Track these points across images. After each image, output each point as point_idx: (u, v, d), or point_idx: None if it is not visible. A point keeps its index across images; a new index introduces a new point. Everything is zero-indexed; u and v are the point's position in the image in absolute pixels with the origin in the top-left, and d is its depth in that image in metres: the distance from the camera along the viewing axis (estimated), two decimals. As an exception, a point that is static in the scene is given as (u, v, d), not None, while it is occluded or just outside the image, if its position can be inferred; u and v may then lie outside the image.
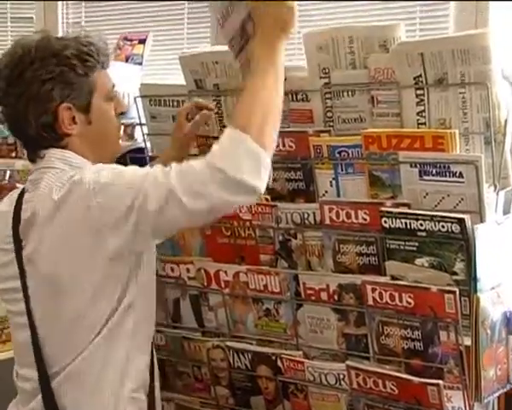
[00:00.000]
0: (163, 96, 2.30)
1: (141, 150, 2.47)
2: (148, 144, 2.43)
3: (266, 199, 2.05)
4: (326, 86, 1.97)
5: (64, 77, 1.72)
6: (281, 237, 2.05)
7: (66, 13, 4.58)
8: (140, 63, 3.46)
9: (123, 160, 2.66)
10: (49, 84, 1.70)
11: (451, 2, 2.98)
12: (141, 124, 2.38)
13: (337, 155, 1.94)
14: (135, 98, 2.35)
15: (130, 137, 3.04)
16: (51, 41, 1.74)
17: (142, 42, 3.54)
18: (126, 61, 3.48)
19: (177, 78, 2.38)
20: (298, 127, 2.03)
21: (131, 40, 3.57)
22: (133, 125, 2.96)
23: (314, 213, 1.98)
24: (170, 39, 3.76)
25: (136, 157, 2.56)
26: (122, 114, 1.87)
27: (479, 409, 1.86)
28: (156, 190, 1.57)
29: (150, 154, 2.39)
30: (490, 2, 2.86)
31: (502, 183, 1.88)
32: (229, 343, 2.13)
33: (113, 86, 1.83)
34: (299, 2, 1.71)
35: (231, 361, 2.14)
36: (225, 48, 1.92)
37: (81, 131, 1.76)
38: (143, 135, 2.40)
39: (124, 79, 3.08)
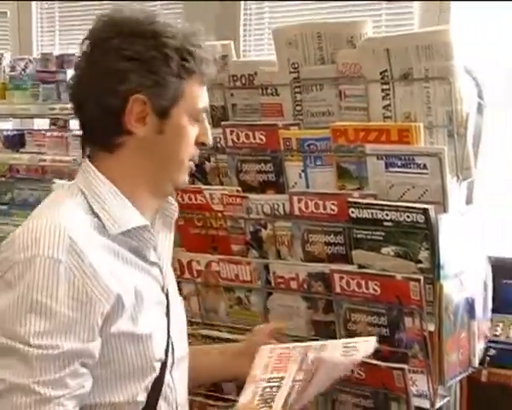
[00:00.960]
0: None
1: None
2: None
3: (237, 190, 2.05)
4: (295, 81, 1.98)
5: (152, 64, 1.35)
6: (252, 228, 2.05)
7: (41, 8, 4.53)
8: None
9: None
10: (130, 64, 1.35)
11: (415, 5, 3.00)
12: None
13: (306, 148, 1.95)
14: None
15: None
16: (157, 22, 1.39)
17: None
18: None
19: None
20: (268, 121, 2.03)
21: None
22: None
23: (284, 204, 1.98)
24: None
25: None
26: (203, 145, 1.49)
27: (442, 392, 1.88)
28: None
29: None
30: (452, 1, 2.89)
31: (464, 174, 1.90)
32: (202, 331, 2.13)
33: (205, 110, 1.48)
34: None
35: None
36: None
37: (147, 137, 1.39)
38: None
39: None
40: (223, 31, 2.87)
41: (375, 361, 1.84)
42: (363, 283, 1.86)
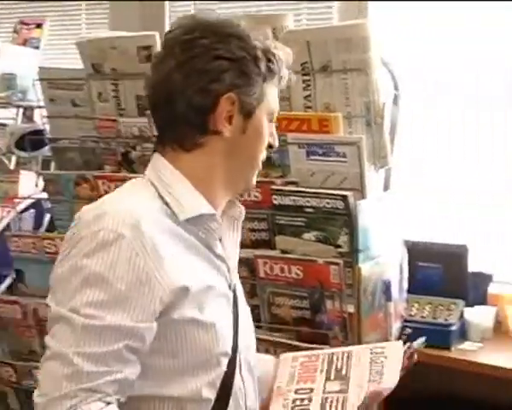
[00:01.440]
0: (61, 79, 2.25)
1: (39, 132, 2.41)
2: (47, 127, 2.37)
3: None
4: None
5: (244, 64, 1.32)
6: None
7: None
8: (37, 47, 3.36)
9: (21, 141, 2.61)
10: (225, 63, 1.31)
11: (335, 5, 3.06)
12: (39, 107, 2.32)
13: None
14: (33, 81, 2.29)
15: (29, 119, 2.95)
16: (240, 25, 1.35)
17: (40, 26, 3.43)
18: (24, 44, 3.37)
19: (75, 62, 2.34)
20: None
21: (28, 24, 3.46)
22: (32, 108, 2.88)
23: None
24: (68, 24, 3.68)
25: (35, 139, 2.51)
26: (270, 147, 1.43)
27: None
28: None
29: (49, 136, 2.33)
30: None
31: (381, 162, 1.95)
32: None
33: (276, 113, 1.43)
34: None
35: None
36: (122, 33, 1.90)
37: (231, 137, 1.33)
38: (42, 117, 2.34)
39: (21, 63, 3.02)
40: (148, 24, 2.85)
41: (297, 343, 1.88)
42: (285, 267, 1.89)
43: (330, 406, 1.34)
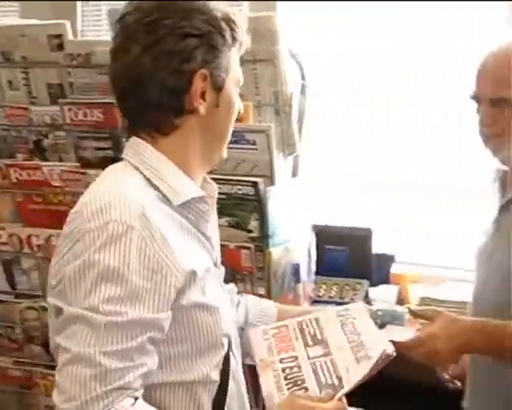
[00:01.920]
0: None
1: None
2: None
3: (76, 166, 2.03)
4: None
5: (211, 39, 1.27)
6: (91, 203, 2.04)
7: None
8: None
9: None
10: (193, 40, 1.25)
11: (245, 5, 3.08)
12: None
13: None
14: None
15: None
16: None
17: None
18: None
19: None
20: (106, 99, 2.01)
21: None
22: None
23: (122, 180, 1.98)
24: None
25: None
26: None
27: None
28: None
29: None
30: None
31: (290, 149, 1.99)
32: (42, 304, 2.10)
33: (241, 80, 1.38)
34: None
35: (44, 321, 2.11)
36: (32, 21, 1.86)
37: (206, 114, 1.29)
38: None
39: None
40: (60, 13, 2.79)
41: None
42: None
43: (322, 369, 1.33)
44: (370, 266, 2.64)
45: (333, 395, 1.25)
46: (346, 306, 1.54)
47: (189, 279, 1.22)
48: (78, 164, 2.04)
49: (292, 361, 1.37)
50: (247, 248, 1.87)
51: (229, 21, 1.30)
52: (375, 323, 1.54)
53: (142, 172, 1.27)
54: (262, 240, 1.90)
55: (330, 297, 2.49)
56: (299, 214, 2.09)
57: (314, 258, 2.22)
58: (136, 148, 1.30)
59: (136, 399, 1.14)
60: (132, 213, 1.17)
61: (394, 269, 2.66)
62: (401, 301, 2.51)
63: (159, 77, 1.25)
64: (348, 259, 2.63)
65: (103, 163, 2.01)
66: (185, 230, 1.28)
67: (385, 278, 2.65)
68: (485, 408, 1.81)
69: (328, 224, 2.64)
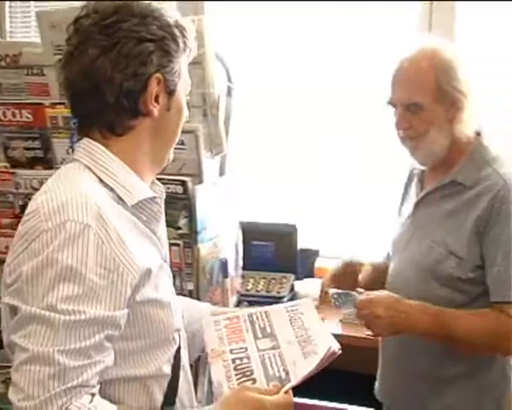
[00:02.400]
0: None
1: None
2: None
3: (6, 166, 2.01)
4: (60, 62, 1.96)
5: (165, 44, 1.30)
6: (21, 202, 2.03)
7: None
8: None
9: None
10: (149, 45, 1.27)
11: (173, 6, 3.09)
12: None
13: (72, 125, 1.96)
14: None
15: None
16: (150, 3, 1.31)
17: None
18: None
19: None
20: (35, 100, 2.00)
21: None
22: None
23: (52, 179, 1.98)
24: None
25: None
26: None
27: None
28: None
29: None
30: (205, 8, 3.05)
31: (217, 149, 2.02)
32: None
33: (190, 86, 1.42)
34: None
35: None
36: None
37: (158, 116, 1.31)
38: None
39: None
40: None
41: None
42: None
43: (270, 362, 1.36)
44: (296, 261, 2.70)
45: (280, 388, 1.29)
46: (294, 301, 1.59)
47: (143, 277, 1.23)
48: (7, 164, 2.02)
49: (242, 352, 1.40)
50: (177, 244, 1.89)
51: (181, 28, 1.33)
52: (335, 305, 1.69)
53: (94, 173, 1.28)
54: (191, 237, 1.92)
55: (257, 291, 2.54)
56: (226, 212, 2.13)
57: (241, 253, 2.26)
58: (88, 149, 1.30)
59: (93, 395, 1.16)
60: (89, 213, 1.18)
61: (318, 263, 2.73)
62: (325, 293, 2.57)
63: (117, 79, 1.26)
64: (274, 254, 2.69)
65: (32, 163, 2.02)
66: (138, 229, 1.30)
67: (309, 272, 2.72)
68: (393, 384, 1.90)
69: (254, 221, 2.69)
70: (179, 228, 1.93)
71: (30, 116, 1.99)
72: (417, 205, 1.86)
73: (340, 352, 1.34)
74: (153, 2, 1.31)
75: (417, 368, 1.81)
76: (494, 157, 1.77)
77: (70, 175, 1.28)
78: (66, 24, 1.90)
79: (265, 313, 1.50)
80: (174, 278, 1.90)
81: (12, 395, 1.12)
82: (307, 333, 1.43)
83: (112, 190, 1.27)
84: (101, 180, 1.27)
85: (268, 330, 1.45)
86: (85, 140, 1.31)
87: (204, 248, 1.95)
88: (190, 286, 1.93)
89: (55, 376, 1.11)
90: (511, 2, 2.54)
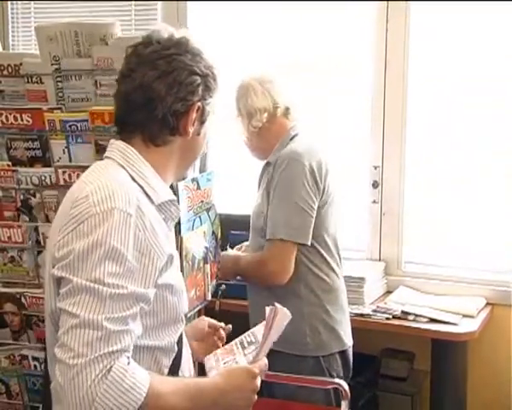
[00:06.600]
0: None
1: None
2: None
3: (8, 165, 2.01)
4: (57, 71, 1.96)
5: (207, 80, 1.43)
6: (22, 197, 2.03)
7: None
8: None
9: None
10: (198, 78, 1.41)
11: (158, 7, 3.10)
12: None
13: (68, 128, 1.96)
14: None
15: None
16: (198, 43, 1.46)
17: None
18: None
19: None
20: (34, 105, 1.99)
21: None
22: None
23: (50, 176, 2.00)
24: None
25: None
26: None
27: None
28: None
29: None
30: (188, 9, 3.04)
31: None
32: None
33: None
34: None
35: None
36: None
37: (190, 139, 1.44)
38: None
39: None
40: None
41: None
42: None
43: (248, 346, 1.52)
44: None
45: (255, 360, 1.43)
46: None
47: (167, 262, 1.34)
48: (9, 163, 2.02)
49: (231, 361, 1.52)
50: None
51: (216, 71, 1.47)
52: None
53: (127, 171, 1.37)
54: (175, 227, 1.91)
55: (235, 275, 2.53)
56: (206, 204, 2.12)
57: (219, 242, 2.26)
58: (123, 151, 1.40)
59: (128, 358, 1.23)
60: (131, 204, 1.28)
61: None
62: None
63: (168, 100, 1.38)
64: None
65: (32, 162, 2.01)
66: (162, 224, 1.39)
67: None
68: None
69: (232, 212, 2.74)
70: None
71: (30, 120, 1.98)
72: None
73: (289, 314, 1.45)
74: (198, 42, 1.45)
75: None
76: None
77: (110, 170, 1.37)
78: (61, 37, 1.92)
79: (252, 332, 1.59)
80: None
81: (62, 354, 1.19)
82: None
83: (141, 188, 1.36)
84: (132, 178, 1.37)
85: (253, 340, 1.55)
86: (121, 142, 1.41)
87: (186, 238, 1.96)
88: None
89: (102, 339, 1.19)
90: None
